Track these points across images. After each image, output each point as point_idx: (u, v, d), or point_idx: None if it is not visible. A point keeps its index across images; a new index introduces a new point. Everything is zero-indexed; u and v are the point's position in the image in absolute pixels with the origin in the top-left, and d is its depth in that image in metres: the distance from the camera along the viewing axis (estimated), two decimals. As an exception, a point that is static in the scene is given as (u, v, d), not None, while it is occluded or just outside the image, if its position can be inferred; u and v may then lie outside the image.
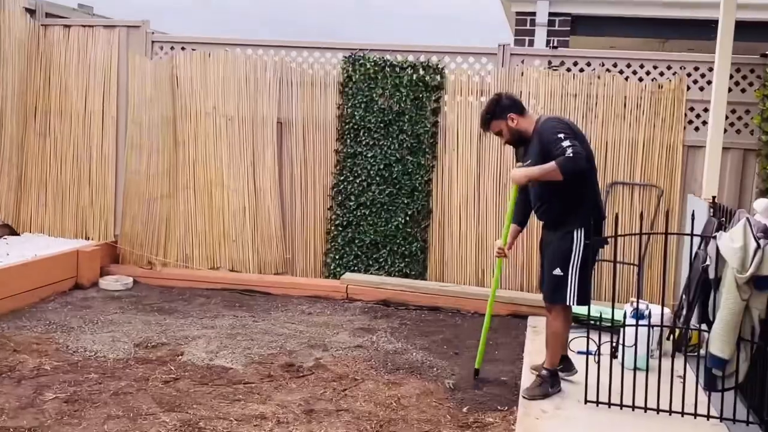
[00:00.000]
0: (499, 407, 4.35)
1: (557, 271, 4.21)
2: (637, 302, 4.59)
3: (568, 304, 4.24)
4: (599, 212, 4.28)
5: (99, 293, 6.59)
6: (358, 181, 6.99)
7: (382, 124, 6.90)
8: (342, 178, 7.03)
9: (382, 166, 6.93)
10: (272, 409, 4.16)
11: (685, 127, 6.44)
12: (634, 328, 4.36)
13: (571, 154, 3.97)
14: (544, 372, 4.36)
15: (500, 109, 4.34)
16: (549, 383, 4.31)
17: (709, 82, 6.32)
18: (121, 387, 4.39)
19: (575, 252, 4.16)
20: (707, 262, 4.25)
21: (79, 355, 4.94)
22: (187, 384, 4.50)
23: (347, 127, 6.98)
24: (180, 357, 4.98)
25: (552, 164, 4.02)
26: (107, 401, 4.18)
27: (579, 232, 4.17)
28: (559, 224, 4.25)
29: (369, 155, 6.94)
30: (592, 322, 4.59)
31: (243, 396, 4.35)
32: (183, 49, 7.29)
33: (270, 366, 4.88)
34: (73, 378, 4.51)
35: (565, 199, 4.18)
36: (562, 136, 4.06)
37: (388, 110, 6.89)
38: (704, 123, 6.39)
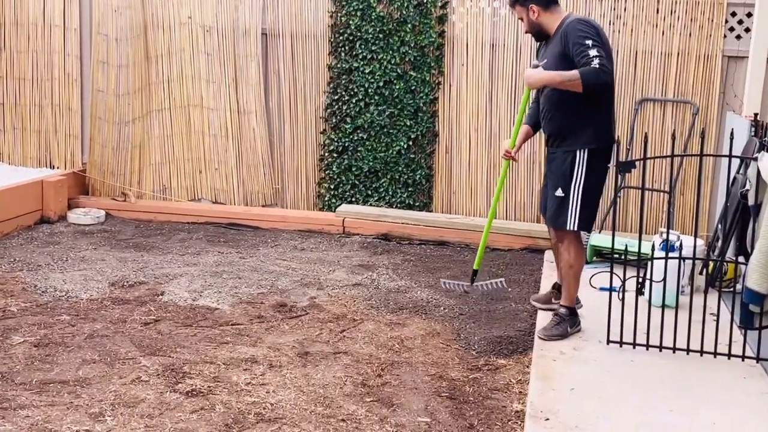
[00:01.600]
0: (511, 349, 4.42)
1: (559, 192, 4.29)
2: (668, 233, 4.61)
3: (568, 228, 4.30)
4: (609, 137, 4.28)
5: (68, 228, 6.62)
6: (354, 101, 6.92)
7: (380, 35, 6.79)
8: (336, 97, 6.96)
9: (381, 84, 6.85)
10: (263, 352, 4.23)
11: (725, 35, 6.34)
12: (663, 261, 4.39)
13: (597, 66, 3.96)
14: (562, 310, 4.41)
15: None
16: (568, 323, 4.36)
17: (755, -17, 6.18)
18: (96, 329, 4.46)
19: (577, 172, 4.23)
20: (747, 187, 4.25)
21: (48, 295, 5.00)
22: (168, 326, 4.57)
23: (341, 38, 6.87)
24: (160, 297, 5.04)
25: (575, 73, 4.01)
26: (81, 345, 4.24)
27: (582, 153, 4.22)
28: (562, 139, 4.29)
29: (366, 71, 6.85)
30: (617, 255, 4.62)
31: (231, 338, 4.42)
32: (152, -51, 7.11)
33: (260, 306, 4.93)
34: (43, 320, 4.57)
35: (574, 112, 4.20)
36: (590, 42, 4.02)
37: (387, 18, 6.76)
38: (747, 30, 6.27)
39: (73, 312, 4.71)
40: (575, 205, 4.25)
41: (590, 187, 4.25)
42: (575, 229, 4.31)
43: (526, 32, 4.46)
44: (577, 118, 4.20)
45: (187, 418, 3.50)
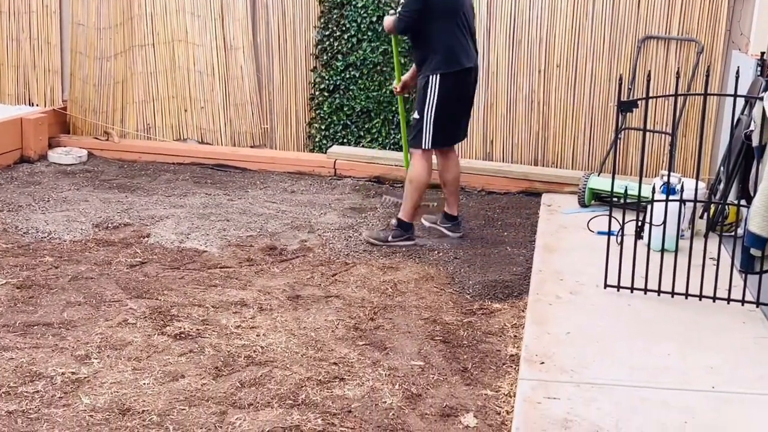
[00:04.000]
0: (506, 293, 4.46)
1: (415, 115, 5.04)
2: (668, 175, 4.61)
3: (423, 147, 5.02)
4: (458, 63, 4.95)
5: (49, 167, 6.59)
6: (346, 37, 6.84)
7: (374, -33, 6.69)
8: (327, 33, 6.87)
9: (374, 19, 6.76)
10: (253, 296, 4.26)
11: (733, -29, 6.27)
12: (663, 204, 4.41)
13: (399, 15, 4.95)
14: (393, 221, 5.21)
15: None
16: (392, 233, 5.11)
17: None
18: (81, 271, 4.47)
19: (430, 95, 4.94)
20: (751, 128, 4.25)
21: (30, 236, 5.00)
22: (155, 268, 4.59)
23: (333, -30, 6.76)
24: (146, 239, 5.04)
25: (388, 20, 5.10)
26: (65, 287, 4.26)
27: (434, 77, 4.93)
28: (420, 69, 5.08)
29: (359, 5, 6.76)
30: (616, 198, 4.63)
31: (220, 281, 4.44)
32: None
33: (249, 249, 4.95)
34: (26, 262, 4.58)
35: (423, 45, 5.01)
36: None
37: (381, -50, 6.65)
38: (757, -35, 6.20)
39: (56, 254, 4.72)
40: (428, 126, 4.98)
41: (441, 109, 4.95)
42: (429, 147, 5.04)
43: None
44: (427, 49, 4.97)
45: (175, 360, 3.53)
